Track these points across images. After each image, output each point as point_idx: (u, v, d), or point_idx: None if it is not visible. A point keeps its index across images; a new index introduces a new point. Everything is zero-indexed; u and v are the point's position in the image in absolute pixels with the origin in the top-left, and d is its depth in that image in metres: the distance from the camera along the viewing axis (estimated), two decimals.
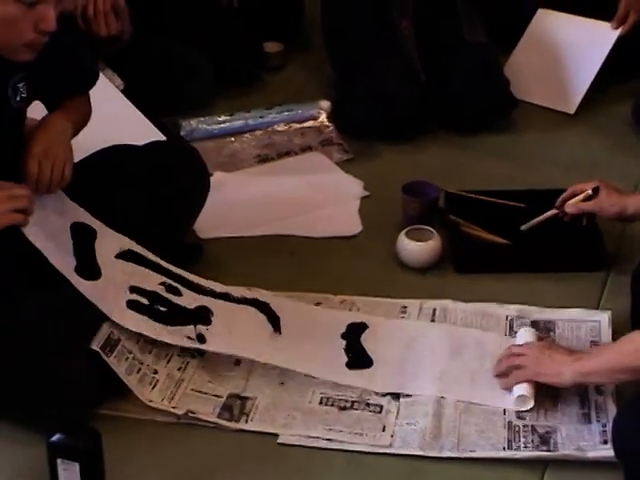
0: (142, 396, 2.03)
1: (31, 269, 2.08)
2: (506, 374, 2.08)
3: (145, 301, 2.14)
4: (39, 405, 1.96)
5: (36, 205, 2.04)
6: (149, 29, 3.09)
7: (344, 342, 2.22)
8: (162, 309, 2.15)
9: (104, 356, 2.01)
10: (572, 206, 2.43)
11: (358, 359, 2.17)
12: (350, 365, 2.16)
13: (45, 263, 2.05)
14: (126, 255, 2.21)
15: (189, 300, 2.21)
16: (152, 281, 2.20)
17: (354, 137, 3.01)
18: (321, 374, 2.12)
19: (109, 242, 2.20)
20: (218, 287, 2.29)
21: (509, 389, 2.07)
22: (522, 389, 2.04)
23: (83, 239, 2.16)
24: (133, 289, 2.15)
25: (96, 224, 2.19)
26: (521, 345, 2.12)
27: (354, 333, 2.24)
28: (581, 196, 2.42)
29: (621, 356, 1.89)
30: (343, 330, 2.25)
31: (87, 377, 1.99)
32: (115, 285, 2.13)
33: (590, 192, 2.40)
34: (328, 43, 3.25)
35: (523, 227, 2.51)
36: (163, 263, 2.25)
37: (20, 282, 2.08)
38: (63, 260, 2.07)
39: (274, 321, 2.23)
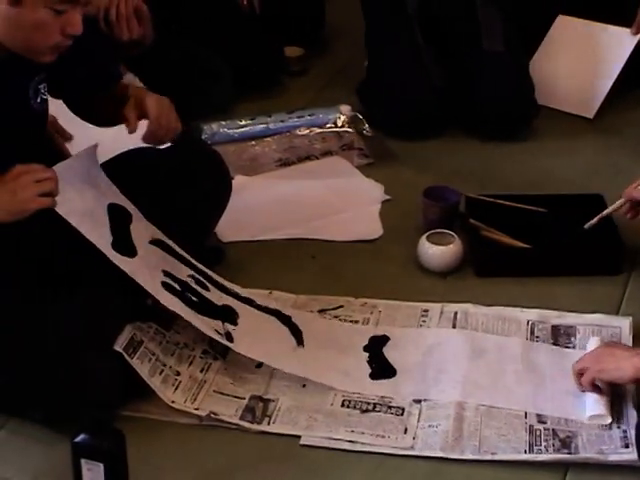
0: (165, 397, 2.04)
1: (56, 271, 2.10)
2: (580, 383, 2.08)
3: (177, 287, 2.15)
4: (63, 406, 1.97)
5: (75, 182, 2.05)
6: (171, 34, 3.11)
7: (366, 354, 2.22)
8: (193, 298, 2.16)
9: (127, 357, 2.02)
10: (634, 192, 2.42)
11: (381, 369, 2.18)
12: (374, 376, 2.16)
13: (69, 265, 2.07)
14: (158, 243, 2.22)
15: (216, 297, 2.22)
16: (182, 272, 2.21)
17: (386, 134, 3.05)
18: (345, 386, 2.12)
19: (143, 228, 2.20)
20: (242, 291, 2.31)
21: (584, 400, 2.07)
22: (595, 408, 2.03)
23: (119, 220, 2.16)
24: (166, 273, 2.16)
25: (132, 209, 2.20)
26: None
27: (376, 345, 2.25)
28: None
29: None
30: (365, 343, 2.25)
31: (110, 378, 2.00)
32: (150, 266, 2.14)
33: None
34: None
35: (586, 225, 2.52)
36: (191, 259, 2.26)
37: (44, 283, 2.09)
38: (100, 235, 2.07)
39: (297, 334, 2.24)
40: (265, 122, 3.06)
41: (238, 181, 2.74)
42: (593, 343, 2.19)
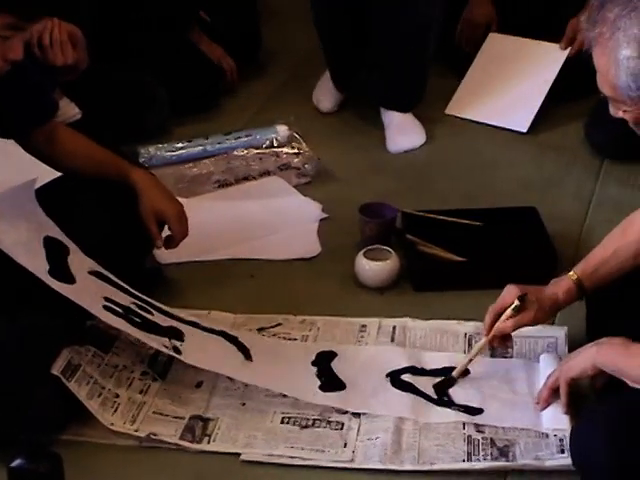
0: (104, 420, 2.04)
1: None
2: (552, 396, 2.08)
3: (120, 310, 2.14)
4: (1, 430, 1.96)
5: (8, 215, 2.06)
6: (106, 58, 3.11)
7: (315, 368, 2.23)
8: (137, 320, 2.16)
9: (64, 381, 2.01)
10: (507, 328, 2.13)
11: (331, 383, 2.18)
12: (324, 388, 2.17)
13: (6, 289, 2.06)
14: (97, 274, 2.22)
15: (160, 319, 2.22)
16: (124, 299, 2.20)
17: None
18: (298, 394, 2.13)
19: (81, 261, 2.20)
20: (186, 316, 2.31)
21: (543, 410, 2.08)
22: (553, 421, 2.05)
23: (56, 252, 2.16)
24: (108, 299, 2.15)
25: (68, 242, 2.20)
26: None
27: (324, 360, 2.26)
28: (509, 311, 2.12)
29: (627, 366, 1.88)
30: (313, 358, 2.26)
31: (49, 402, 2.00)
32: (90, 292, 2.13)
33: (517, 303, 2.11)
34: None
35: (454, 373, 2.18)
36: (131, 289, 2.26)
37: None
38: (35, 262, 2.06)
39: (244, 351, 2.23)
40: (202, 144, 3.08)
41: None
42: (545, 359, 2.22)
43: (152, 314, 2.22)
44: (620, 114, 1.84)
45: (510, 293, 2.13)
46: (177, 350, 2.13)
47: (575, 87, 3.25)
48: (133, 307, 2.19)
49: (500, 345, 2.20)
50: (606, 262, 2.12)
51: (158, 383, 2.17)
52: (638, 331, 1.97)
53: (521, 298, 2.10)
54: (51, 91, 2.62)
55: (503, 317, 2.13)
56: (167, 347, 2.12)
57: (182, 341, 2.17)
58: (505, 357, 2.27)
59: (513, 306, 2.11)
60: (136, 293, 2.25)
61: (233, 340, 2.26)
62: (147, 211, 2.32)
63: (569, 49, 3.25)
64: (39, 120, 2.28)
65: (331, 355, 2.27)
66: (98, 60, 2.99)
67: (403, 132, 3.20)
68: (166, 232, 2.39)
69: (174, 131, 3.20)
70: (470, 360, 2.18)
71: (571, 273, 2.14)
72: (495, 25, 3.45)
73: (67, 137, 2.37)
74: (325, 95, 3.38)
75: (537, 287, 2.15)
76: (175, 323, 2.24)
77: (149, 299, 2.27)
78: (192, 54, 3.37)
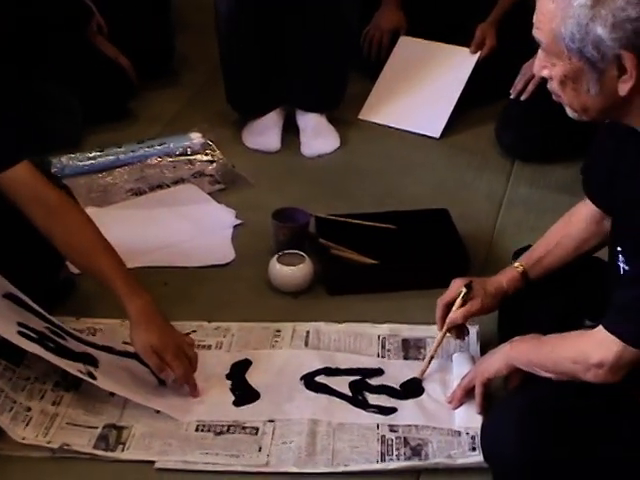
0: (15, 435, 2.01)
1: None
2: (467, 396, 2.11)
3: (34, 335, 2.12)
4: None
5: None
6: (19, 71, 3.08)
7: (229, 382, 2.23)
8: (51, 345, 2.13)
9: None
10: (458, 318, 2.19)
11: (244, 396, 2.18)
12: (237, 403, 2.17)
13: None
14: (11, 297, 2.18)
15: (74, 345, 2.19)
16: (38, 324, 2.18)
17: None
18: (210, 417, 2.12)
19: None
20: (99, 341, 2.29)
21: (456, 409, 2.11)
22: (465, 420, 2.08)
23: None
24: (21, 324, 2.12)
25: None
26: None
27: (238, 371, 2.26)
28: (459, 301, 2.18)
29: (538, 355, 1.92)
30: (227, 371, 2.26)
31: None
32: (2, 316, 2.10)
33: (465, 290, 2.18)
34: None
35: (417, 374, 2.22)
36: (45, 313, 2.23)
37: None
38: None
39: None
40: (115, 153, 3.06)
41: (89, 212, 2.70)
42: (458, 358, 2.25)
43: (65, 339, 2.20)
44: (545, 72, 1.78)
45: (456, 284, 2.21)
46: (92, 375, 2.11)
47: (485, 91, 3.30)
48: (47, 332, 2.16)
49: (458, 336, 2.25)
50: (549, 253, 2.19)
51: (71, 394, 2.15)
52: (547, 328, 2.01)
53: (468, 286, 2.17)
54: None
55: (454, 308, 2.19)
56: (82, 372, 2.10)
57: (96, 367, 2.15)
58: (418, 359, 2.29)
59: (462, 294, 2.17)
60: (50, 318, 2.23)
61: (146, 363, 2.21)
62: (144, 346, 2.14)
63: (479, 53, 3.29)
64: None
65: (246, 364, 2.28)
66: (7, 71, 2.96)
67: (318, 136, 3.22)
68: None
69: (87, 140, 3.18)
70: (432, 357, 2.22)
71: (516, 264, 2.21)
72: (404, 31, 3.48)
73: (73, 220, 2.21)
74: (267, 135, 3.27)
75: (482, 278, 2.23)
76: (89, 349, 2.22)
77: (62, 324, 2.24)
78: (94, 55, 3.32)
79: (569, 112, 1.81)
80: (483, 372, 2.06)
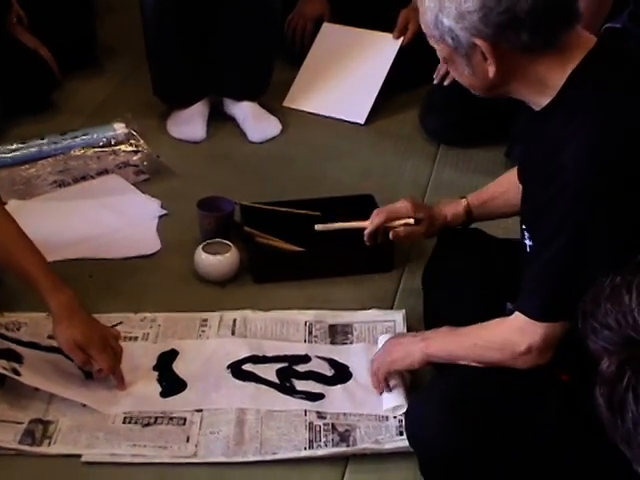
0: None
1: None
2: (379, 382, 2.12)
3: None
4: None
5: None
6: None
7: (156, 373, 2.22)
8: None
9: None
10: (400, 232, 2.34)
11: (172, 386, 2.18)
12: (164, 394, 2.16)
13: None
14: None
15: None
16: None
17: None
18: (138, 408, 2.11)
19: None
20: (24, 336, 2.27)
21: (382, 393, 2.12)
22: (391, 400, 2.09)
23: None
24: None
25: None
26: None
27: (165, 362, 2.25)
28: (402, 223, 2.33)
29: (460, 348, 1.93)
30: (154, 362, 2.25)
31: None
32: None
33: (412, 222, 2.32)
34: None
35: (318, 227, 2.49)
36: None
37: None
38: None
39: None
40: (38, 145, 3.02)
41: (12, 205, 2.70)
42: (383, 340, 2.24)
43: None
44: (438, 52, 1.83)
45: (405, 207, 2.34)
46: (16, 372, 2.09)
47: (409, 76, 3.32)
48: None
49: (382, 238, 2.39)
50: (494, 199, 2.25)
51: None
52: (469, 313, 2.03)
53: (416, 221, 2.31)
54: None
55: (396, 223, 2.34)
56: (6, 369, 2.08)
57: (21, 363, 2.13)
58: (345, 344, 2.30)
59: (409, 222, 2.31)
60: None
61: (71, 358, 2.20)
62: (67, 342, 2.10)
63: (402, 38, 3.30)
64: None
65: (172, 354, 2.27)
66: None
67: (261, 121, 3.22)
68: None
69: (8, 132, 3.14)
70: (346, 228, 2.45)
71: (462, 200, 2.29)
72: (327, 18, 3.48)
73: None
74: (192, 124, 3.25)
75: (428, 205, 2.38)
76: (13, 346, 2.19)
77: None
78: (14, 46, 3.26)
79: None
80: (390, 364, 2.07)
